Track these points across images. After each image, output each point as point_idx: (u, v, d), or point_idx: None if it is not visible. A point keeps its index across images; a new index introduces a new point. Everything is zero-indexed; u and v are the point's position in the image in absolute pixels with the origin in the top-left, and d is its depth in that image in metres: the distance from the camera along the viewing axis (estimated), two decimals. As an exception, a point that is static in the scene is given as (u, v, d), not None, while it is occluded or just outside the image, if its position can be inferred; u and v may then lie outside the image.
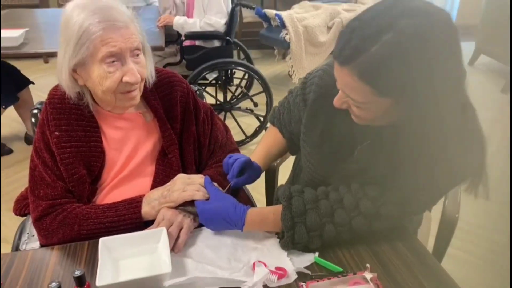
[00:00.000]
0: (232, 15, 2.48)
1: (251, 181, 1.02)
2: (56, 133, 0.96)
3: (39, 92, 2.63)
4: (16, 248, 1.06)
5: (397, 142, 0.81)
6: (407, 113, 0.75)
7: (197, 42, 2.54)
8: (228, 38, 2.49)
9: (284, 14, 3.03)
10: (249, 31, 3.85)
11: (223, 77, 2.54)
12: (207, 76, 2.51)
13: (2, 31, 2.20)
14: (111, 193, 1.01)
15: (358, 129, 0.87)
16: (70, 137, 0.96)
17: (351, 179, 0.89)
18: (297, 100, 1.05)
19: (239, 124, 2.62)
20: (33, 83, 2.54)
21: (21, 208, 1.09)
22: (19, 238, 1.09)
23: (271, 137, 1.12)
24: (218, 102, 2.61)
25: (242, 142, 2.61)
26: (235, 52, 3.39)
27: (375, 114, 0.78)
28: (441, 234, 1.20)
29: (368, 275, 0.77)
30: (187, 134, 1.07)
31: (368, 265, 0.79)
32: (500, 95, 3.47)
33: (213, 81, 2.66)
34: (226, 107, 2.63)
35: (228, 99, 2.67)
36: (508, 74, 3.51)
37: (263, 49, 4.08)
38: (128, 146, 1.03)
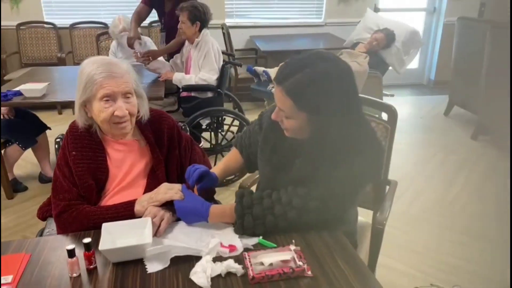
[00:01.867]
0: (222, 72, 2.92)
1: (210, 186, 1.34)
2: (74, 152, 1.30)
3: (52, 138, 3.01)
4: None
5: (315, 152, 1.14)
6: (317, 126, 1.09)
7: (193, 93, 2.96)
8: (219, 90, 2.90)
9: (270, 70, 3.47)
10: (243, 86, 4.30)
11: (215, 123, 2.92)
12: (201, 122, 2.89)
13: (28, 84, 2.63)
14: (112, 198, 1.33)
15: (296, 145, 1.21)
16: (83, 156, 1.31)
17: (291, 183, 1.21)
18: (256, 128, 1.41)
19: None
20: (50, 128, 2.93)
21: (43, 213, 1.42)
22: (41, 235, 1.40)
23: (232, 156, 1.48)
24: (211, 146, 2.97)
25: (231, 180, 2.93)
26: (230, 104, 3.81)
27: (298, 126, 1.12)
28: (373, 241, 1.48)
29: (292, 247, 1.07)
30: (172, 156, 1.42)
31: (293, 240, 1.09)
32: (469, 141, 3.81)
33: (207, 127, 3.04)
34: (217, 149, 2.98)
35: (219, 141, 3.03)
36: (475, 122, 3.88)
37: (256, 101, 4.53)
38: (126, 164, 1.36)
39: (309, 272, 1.02)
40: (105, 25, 4.46)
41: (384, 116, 1.70)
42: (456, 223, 2.56)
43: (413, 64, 5.62)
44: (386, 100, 4.56)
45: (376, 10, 5.14)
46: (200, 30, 2.89)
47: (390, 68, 4.02)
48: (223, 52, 3.17)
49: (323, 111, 1.08)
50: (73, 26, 4.52)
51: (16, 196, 2.83)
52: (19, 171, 3.08)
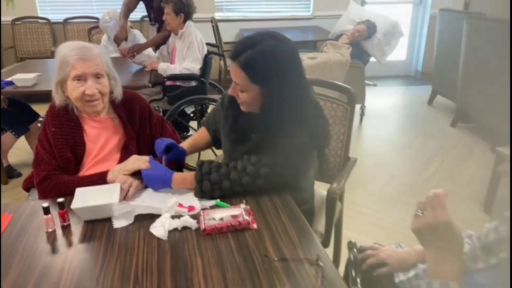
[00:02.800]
0: (206, 61, 3.06)
1: (178, 157, 1.49)
2: (53, 129, 1.45)
3: (46, 126, 3.16)
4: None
5: (265, 123, 1.29)
6: (267, 99, 1.24)
7: (177, 82, 3.10)
8: (202, 79, 3.05)
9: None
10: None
11: (199, 111, 3.06)
12: (186, 110, 3.03)
13: (19, 74, 2.77)
14: (89, 171, 1.48)
15: (252, 121, 1.35)
16: (62, 132, 1.45)
17: (246, 154, 1.35)
18: (219, 107, 1.55)
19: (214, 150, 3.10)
20: (42, 117, 3.07)
21: (27, 184, 1.57)
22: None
23: (200, 134, 1.63)
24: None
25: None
26: (219, 96, 3.95)
27: (252, 99, 1.27)
28: (327, 208, 1.63)
29: (243, 205, 1.21)
30: (143, 133, 1.56)
31: (244, 200, 1.23)
32: (449, 128, 3.94)
33: (191, 115, 3.19)
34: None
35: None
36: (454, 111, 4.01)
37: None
38: (101, 140, 1.51)
39: (254, 225, 1.17)
40: (98, 20, 4.60)
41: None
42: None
43: (401, 56, 5.76)
44: (370, 89, 4.71)
45: (363, 3, 5.27)
46: (184, 22, 3.03)
47: (373, 58, 4.15)
48: (212, 45, 3.31)
49: (272, 84, 1.23)
50: (66, 21, 4.66)
51: (11, 181, 2.98)
52: (14, 159, 3.24)
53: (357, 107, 4.08)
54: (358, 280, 1.04)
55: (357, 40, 4.00)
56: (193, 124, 3.27)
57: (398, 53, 5.49)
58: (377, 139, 3.79)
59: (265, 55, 1.21)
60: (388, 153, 3.48)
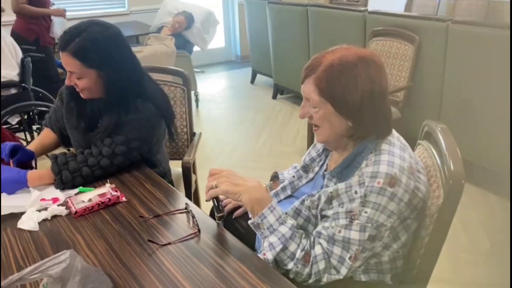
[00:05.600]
0: (23, 65, 2.84)
1: (27, 159, 1.46)
2: None
3: None
4: None
5: (110, 105, 1.39)
6: (106, 81, 1.34)
7: (-7, 93, 2.80)
8: (23, 85, 2.82)
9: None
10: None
11: (25, 120, 2.84)
12: (9, 120, 2.78)
13: None
14: None
15: (97, 106, 1.42)
16: None
17: (99, 139, 1.42)
18: (58, 103, 1.56)
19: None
20: None
21: None
22: None
23: (44, 135, 1.63)
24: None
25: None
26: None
27: (91, 84, 1.35)
28: (183, 175, 1.82)
29: (107, 185, 1.30)
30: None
31: (108, 180, 1.33)
32: (271, 100, 4.54)
33: (18, 125, 2.93)
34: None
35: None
36: (273, 85, 4.63)
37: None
38: None
39: (124, 198, 1.27)
40: None
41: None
42: (264, 162, 3.15)
43: (220, 43, 6.24)
44: (199, 77, 5.03)
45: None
46: (-13, 26, 2.74)
47: (197, 47, 4.45)
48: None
49: (107, 65, 1.33)
50: None
51: None
52: None
53: (192, 93, 4.36)
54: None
55: (178, 31, 4.22)
56: (22, 136, 3.00)
57: (218, 41, 5.95)
58: (214, 120, 4.13)
59: (94, 40, 1.31)
60: (226, 130, 3.85)
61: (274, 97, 4.58)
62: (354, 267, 1.02)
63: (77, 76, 1.33)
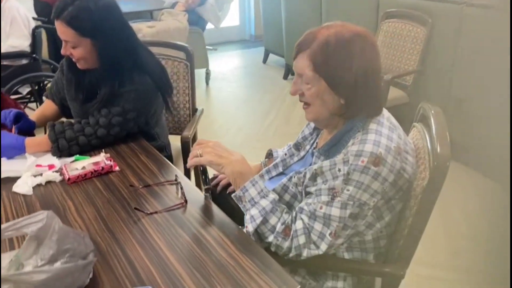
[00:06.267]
0: (34, 36, 2.87)
1: (28, 128, 1.50)
2: None
3: None
4: None
5: (107, 75, 1.40)
6: (102, 51, 1.35)
7: (6, 61, 2.84)
8: (34, 55, 2.86)
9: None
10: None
11: (36, 90, 2.89)
12: (20, 90, 2.83)
13: None
14: None
15: (95, 78, 1.44)
16: None
17: (97, 110, 1.45)
18: (59, 75, 1.58)
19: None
20: None
21: None
22: None
23: (45, 106, 1.67)
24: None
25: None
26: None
27: (86, 53, 1.36)
28: (182, 150, 1.84)
29: (102, 154, 1.33)
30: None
31: (103, 150, 1.35)
32: (282, 81, 4.51)
33: (28, 96, 2.98)
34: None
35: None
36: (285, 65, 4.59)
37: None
38: None
39: (117, 168, 1.30)
40: None
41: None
42: (269, 142, 3.15)
43: (235, 21, 6.18)
44: (212, 54, 5.01)
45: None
46: (0, -4, 2.76)
47: (210, 24, 4.42)
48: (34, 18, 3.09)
49: (102, 34, 1.34)
50: None
51: None
52: None
53: (203, 71, 4.36)
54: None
55: (192, 6, 4.19)
56: (32, 106, 3.07)
57: (232, 20, 5.90)
58: (224, 98, 4.13)
59: (87, 8, 1.31)
60: (235, 109, 3.85)
61: (285, 77, 4.54)
62: (336, 244, 1.03)
63: (72, 45, 1.35)
